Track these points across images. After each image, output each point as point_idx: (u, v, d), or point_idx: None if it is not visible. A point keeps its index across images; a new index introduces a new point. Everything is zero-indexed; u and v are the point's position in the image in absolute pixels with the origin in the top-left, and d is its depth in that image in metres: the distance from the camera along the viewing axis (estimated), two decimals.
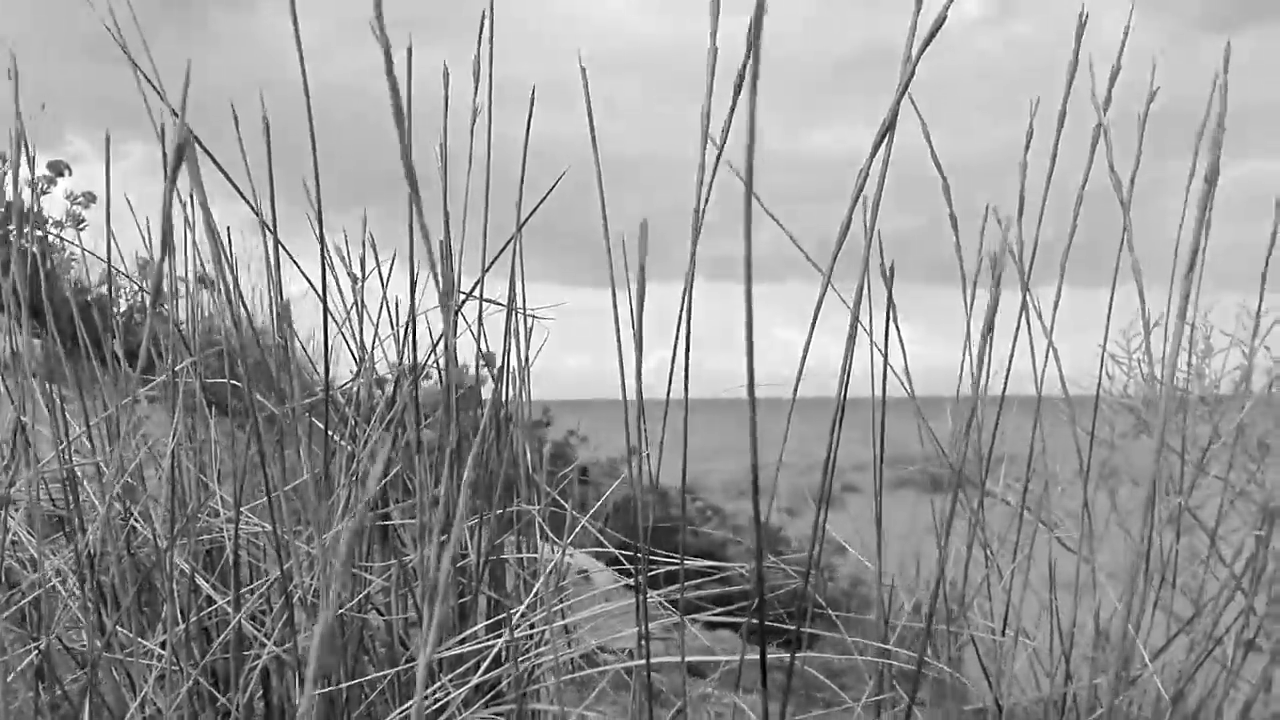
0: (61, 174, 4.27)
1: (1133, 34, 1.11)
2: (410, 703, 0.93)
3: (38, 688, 0.92)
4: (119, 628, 0.93)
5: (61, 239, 3.75)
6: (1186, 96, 1.14)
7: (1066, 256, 1.10)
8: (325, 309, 1.00)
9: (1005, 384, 1.13)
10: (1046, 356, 1.14)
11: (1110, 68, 1.07)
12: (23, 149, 1.06)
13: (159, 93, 0.98)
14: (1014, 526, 1.32)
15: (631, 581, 1.18)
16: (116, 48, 0.99)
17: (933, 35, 0.71)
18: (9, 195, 1.15)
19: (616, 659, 1.17)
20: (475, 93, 1.11)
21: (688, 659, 0.95)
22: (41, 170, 4.31)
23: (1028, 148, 1.13)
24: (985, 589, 1.22)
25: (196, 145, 0.95)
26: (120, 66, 1.04)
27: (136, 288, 1.32)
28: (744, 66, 0.78)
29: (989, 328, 1.01)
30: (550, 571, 1.00)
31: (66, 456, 0.98)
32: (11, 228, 1.21)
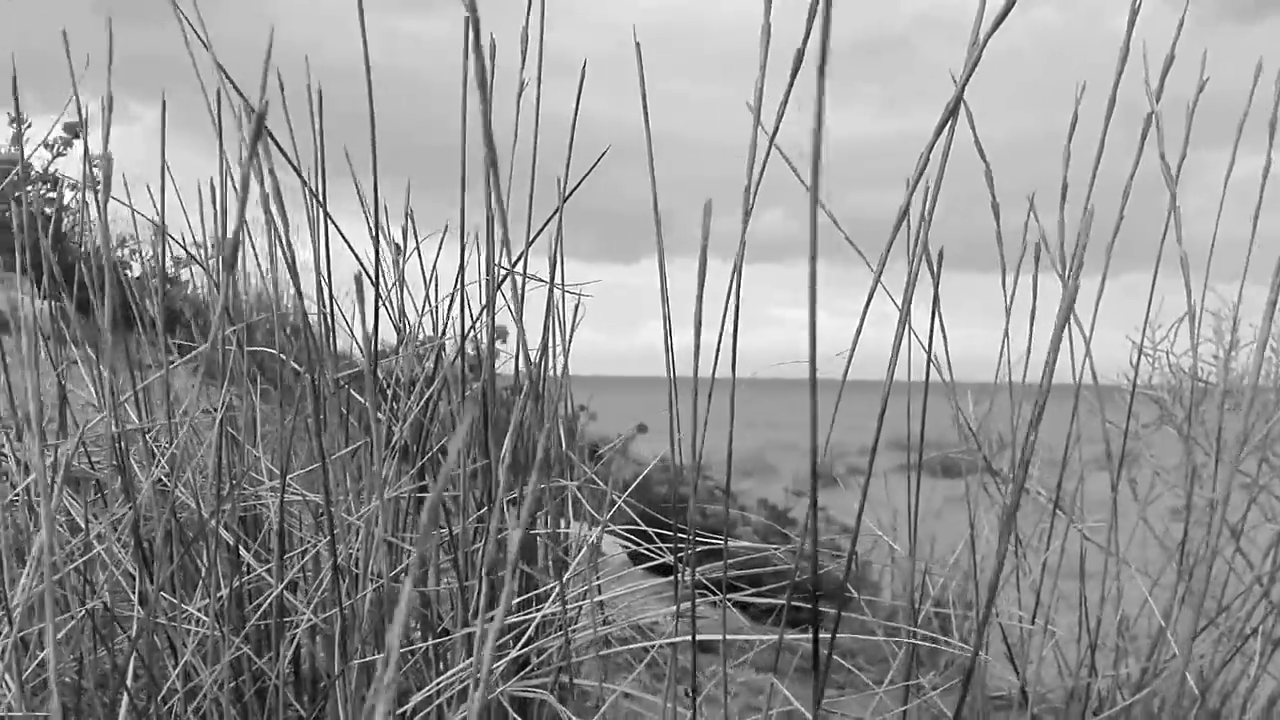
0: (78, 135, 4.25)
1: (1150, 23, 1.11)
2: (449, 673, 0.94)
3: (81, 654, 0.93)
4: (162, 594, 0.94)
5: (78, 200, 3.73)
6: (1209, 90, 1.14)
7: (1112, 247, 1.10)
8: (375, 282, 1.00)
9: (1041, 373, 1.13)
10: (1087, 347, 1.14)
11: (1164, 57, 1.06)
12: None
13: (211, 55, 0.97)
14: (1041, 517, 1.33)
15: (652, 559, 1.19)
16: (133, 10, 0.98)
17: (1004, 15, 0.70)
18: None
19: (644, 637, 1.18)
20: (523, 65, 1.10)
21: (709, 638, 0.96)
22: (58, 131, 4.27)
23: (1071, 135, 1.13)
24: (1014, 578, 1.22)
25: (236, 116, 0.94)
26: (135, 29, 1.04)
27: (151, 252, 1.32)
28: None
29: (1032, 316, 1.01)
30: (585, 549, 1.01)
31: (113, 421, 0.98)
32: (29, 188, 1.21)
